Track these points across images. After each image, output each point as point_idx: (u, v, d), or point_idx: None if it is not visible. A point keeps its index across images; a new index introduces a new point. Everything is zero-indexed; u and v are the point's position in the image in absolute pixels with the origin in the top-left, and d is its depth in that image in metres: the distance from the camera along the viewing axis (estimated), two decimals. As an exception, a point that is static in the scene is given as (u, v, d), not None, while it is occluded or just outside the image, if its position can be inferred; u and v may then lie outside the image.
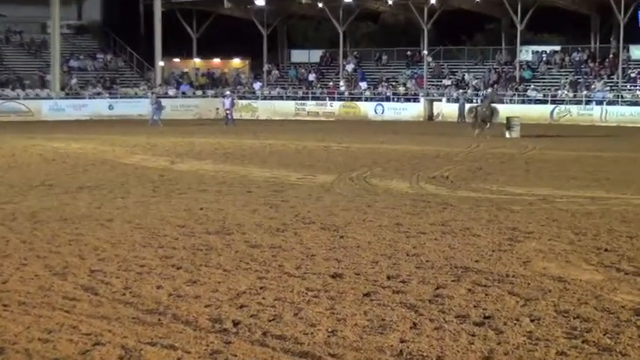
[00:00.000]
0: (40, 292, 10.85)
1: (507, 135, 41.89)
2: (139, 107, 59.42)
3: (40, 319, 9.61)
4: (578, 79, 62.33)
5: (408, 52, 70.67)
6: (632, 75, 61.31)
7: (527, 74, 64.93)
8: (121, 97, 64.23)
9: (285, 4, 70.91)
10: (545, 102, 60.40)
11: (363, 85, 68.13)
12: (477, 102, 60.60)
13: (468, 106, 58.56)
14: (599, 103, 58.93)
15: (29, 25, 68.61)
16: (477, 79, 65.81)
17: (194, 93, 69.34)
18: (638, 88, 59.81)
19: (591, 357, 8.46)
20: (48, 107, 60.79)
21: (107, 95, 64.74)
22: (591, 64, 64.84)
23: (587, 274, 12.10)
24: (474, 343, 8.83)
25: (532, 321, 9.66)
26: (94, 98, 64.15)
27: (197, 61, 76.86)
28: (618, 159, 31.66)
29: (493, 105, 43.62)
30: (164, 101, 58.40)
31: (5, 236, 14.74)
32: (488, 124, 42.09)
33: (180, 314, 9.90)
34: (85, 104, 62.56)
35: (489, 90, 49.29)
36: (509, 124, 43.41)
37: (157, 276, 11.86)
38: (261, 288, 11.19)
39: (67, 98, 63.09)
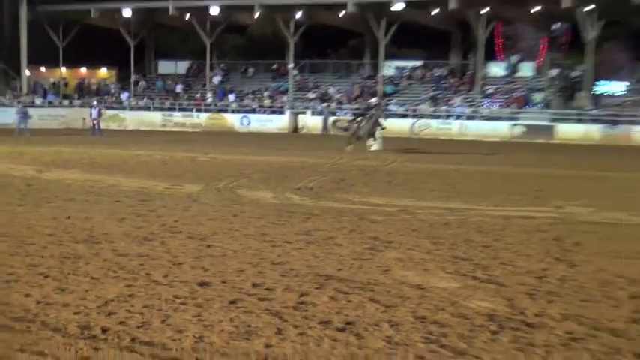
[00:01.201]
0: None
1: (372, 147, 41.85)
2: (4, 116, 58.17)
3: None
4: (438, 94, 63.47)
5: (274, 66, 70.80)
6: (490, 91, 62.60)
7: (389, 89, 65.90)
8: (-14, 106, 63.01)
9: (153, 16, 70.45)
10: (405, 116, 61.11)
11: (231, 97, 68.05)
12: (340, 115, 61.31)
13: (332, 118, 59.11)
14: (458, 117, 60.00)
15: None
16: (340, 92, 66.29)
17: (61, 102, 68.21)
18: (495, 103, 60.99)
19: (448, 359, 8.88)
20: None
21: (-28, 105, 63.53)
22: (451, 80, 66.22)
23: (444, 282, 12.54)
24: (336, 348, 9.18)
25: (391, 326, 10.05)
26: (-45, 108, 62.87)
27: (64, 70, 75.77)
28: (476, 172, 32.32)
29: (380, 120, 43.36)
30: (31, 110, 57.32)
31: None
32: (373, 141, 41.62)
33: (49, 321, 10.03)
34: (-51, 114, 61.27)
35: (375, 105, 48.90)
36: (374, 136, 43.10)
37: (25, 284, 11.89)
38: (129, 295, 11.34)
39: None
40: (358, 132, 42.07)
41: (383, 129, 43.48)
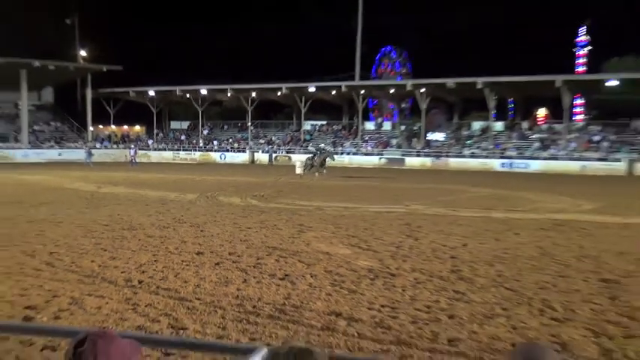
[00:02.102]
0: (16, 266, 10.68)
1: (324, 172, 40.33)
2: (78, 154, 57.27)
3: (19, 282, 9.51)
4: (336, 140, 63.70)
5: (239, 124, 70.50)
6: (366, 138, 63.08)
7: (307, 137, 65.91)
8: (66, 148, 61.78)
9: (167, 95, 69.90)
10: (317, 153, 61.11)
11: (215, 142, 67.66)
12: (278, 152, 61.34)
13: (274, 154, 59.06)
14: (348, 153, 60.13)
15: (7, 103, 65.39)
16: (279, 139, 66.30)
17: (112, 146, 67.39)
18: (369, 145, 61.34)
19: (345, 295, 8.93)
20: (20, 154, 58.05)
21: (57, 147, 62.30)
22: (343, 132, 66.53)
23: (342, 250, 12.62)
24: (279, 290, 9.22)
25: (311, 276, 10.12)
26: (49, 149, 61.62)
27: (113, 127, 75.03)
28: (359, 185, 32.31)
29: (327, 158, 42.42)
30: (93, 150, 56.56)
31: (-7, 234, 14.20)
32: (323, 170, 40.58)
33: (106, 277, 9.97)
34: (44, 152, 59.95)
35: (327, 148, 48.13)
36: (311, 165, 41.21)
37: (92, 255, 11.76)
38: (154, 261, 11.28)
39: (31, 148, 60.38)
40: (313, 164, 41.32)
41: (333, 160, 43.12)
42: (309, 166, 41.02)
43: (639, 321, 7.78)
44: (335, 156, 44.75)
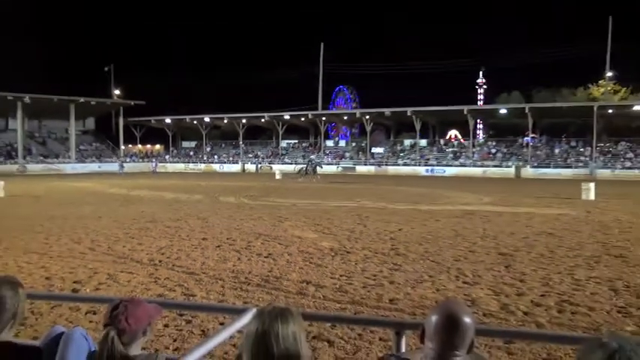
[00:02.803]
0: (67, 251, 10.44)
1: (317, 178, 39.05)
2: (113, 167, 56.13)
3: (68, 263, 9.29)
4: (304, 154, 63.49)
5: (234, 142, 69.72)
6: (327, 152, 62.89)
7: (284, 152, 65.57)
8: (104, 162, 60.63)
9: (179, 122, 69.04)
10: (291, 163, 60.87)
11: (216, 157, 66.92)
12: (262, 164, 61.02)
13: (259, 165, 58.56)
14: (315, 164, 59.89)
15: (60, 129, 64.23)
16: (262, 154, 65.86)
17: (138, 160, 66.42)
18: (323, 157, 61.00)
19: (313, 268, 8.88)
20: (69, 167, 56.82)
21: (97, 161, 61.22)
22: (310, 148, 66.31)
23: (311, 235, 12.55)
24: (264, 265, 9.10)
25: (288, 255, 10.05)
26: (91, 163, 60.52)
27: (139, 146, 73.91)
28: (324, 187, 32.17)
29: (317, 167, 41.18)
30: (125, 164, 55.67)
31: (50, 227, 13.84)
32: (318, 176, 39.27)
33: (134, 257, 9.78)
34: (87, 166, 58.66)
35: (315, 160, 47.23)
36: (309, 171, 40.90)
37: (123, 241, 11.53)
38: (171, 245, 11.09)
39: (78, 163, 59.23)
40: (307, 172, 40.49)
41: (321, 168, 42.42)
42: (303, 173, 40.32)
43: (527, 283, 7.87)
44: (317, 165, 43.35)
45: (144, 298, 2.33)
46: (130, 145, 73.52)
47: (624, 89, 61.01)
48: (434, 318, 1.68)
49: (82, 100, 59.51)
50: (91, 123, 70.55)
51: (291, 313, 1.72)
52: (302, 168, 42.73)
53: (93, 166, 59.48)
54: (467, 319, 1.66)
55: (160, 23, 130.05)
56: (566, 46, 79.19)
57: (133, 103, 64.92)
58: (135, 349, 2.03)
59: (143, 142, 75.35)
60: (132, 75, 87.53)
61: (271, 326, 1.64)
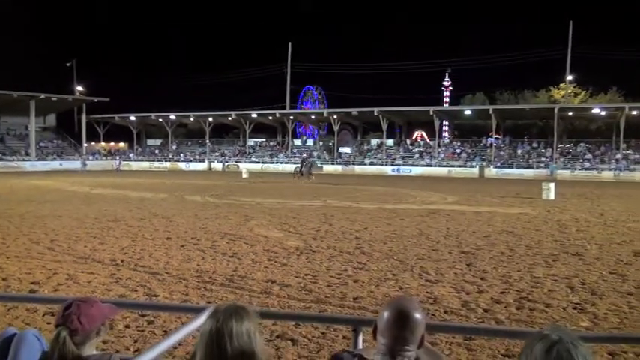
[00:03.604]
0: (25, 251, 10.17)
1: (310, 179, 38.03)
2: (75, 164, 54.83)
3: (26, 263, 9.06)
4: (272, 153, 63.31)
5: (200, 141, 68.92)
6: (295, 152, 62.84)
7: (251, 150, 65.15)
8: (66, 160, 59.03)
9: (144, 119, 67.86)
10: (258, 163, 60.54)
11: (182, 155, 65.99)
12: (229, 162, 60.52)
13: (226, 164, 57.99)
14: (281, 163, 59.68)
15: (20, 126, 62.54)
16: (229, 152, 65.20)
17: (101, 158, 64.95)
18: (286, 158, 60.92)
19: (278, 267, 8.87)
20: (29, 165, 55.24)
21: (59, 159, 59.61)
22: (278, 147, 66.05)
23: (276, 234, 12.52)
24: (229, 264, 9.05)
25: (254, 254, 10.00)
26: (52, 161, 58.94)
27: (103, 144, 72.37)
28: (287, 186, 32.10)
29: (312, 167, 40.06)
30: (87, 162, 54.54)
31: (7, 226, 13.45)
32: (312, 177, 38.01)
33: (95, 258, 9.58)
34: (48, 164, 57.14)
35: (309, 159, 46.46)
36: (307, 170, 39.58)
37: (84, 241, 11.28)
38: (133, 245, 10.91)
39: (39, 160, 57.65)
40: (300, 171, 39.34)
41: (317, 167, 41.32)
42: (298, 173, 39.66)
43: (488, 280, 8.04)
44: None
45: (104, 299, 2.30)
46: (93, 143, 71.92)
47: (584, 92, 62.85)
48: (385, 314, 1.71)
49: (42, 96, 57.92)
50: (52, 120, 68.71)
51: (246, 310, 1.72)
52: (296, 168, 41.91)
53: (54, 164, 57.95)
54: (417, 315, 1.71)
55: (125, 20, 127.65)
56: (528, 49, 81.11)
57: (96, 99, 63.37)
58: (88, 349, 2.00)
59: (107, 140, 73.79)
60: (95, 70, 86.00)
61: (225, 324, 1.65)
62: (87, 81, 69.50)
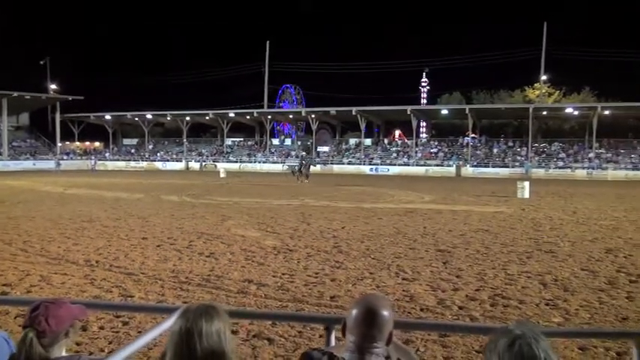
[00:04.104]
0: (-4, 252, 9.90)
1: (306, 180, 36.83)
2: (49, 164, 53.81)
3: (-3, 264, 8.82)
4: (250, 152, 63.07)
5: (177, 140, 68.29)
6: (272, 151, 62.63)
7: (229, 150, 64.78)
8: (39, 160, 57.90)
9: (120, 118, 66.97)
10: (236, 162, 60.20)
11: (159, 154, 65.26)
12: (206, 162, 60.04)
13: (204, 163, 57.55)
14: (259, 162, 59.48)
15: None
16: (207, 152, 64.95)
17: (76, 158, 63.90)
18: (266, 157, 60.83)
19: (255, 266, 8.85)
20: (1, 165, 54.18)
21: (32, 159, 58.50)
22: (256, 146, 65.78)
23: (254, 234, 12.48)
24: (205, 264, 9.00)
25: (231, 254, 9.96)
26: (25, 160, 57.89)
27: (77, 143, 71.20)
28: (267, 186, 31.99)
29: (310, 165, 38.18)
30: (61, 162, 53.62)
31: (-23, 227, 13.18)
32: (307, 175, 36.68)
33: (69, 258, 9.45)
34: (21, 163, 56.16)
35: (304, 155, 45.73)
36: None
37: (58, 242, 11.11)
38: (109, 245, 10.77)
39: (11, 160, 56.53)
40: (300, 170, 38.17)
41: (314, 166, 40.98)
42: (296, 172, 38.46)
43: (463, 278, 8.14)
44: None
45: (76, 300, 2.27)
46: (68, 142, 70.73)
47: (557, 92, 63.95)
48: (354, 312, 1.73)
49: (15, 94, 56.72)
50: (25, 118, 67.33)
51: (217, 310, 1.72)
52: (293, 167, 41.03)
53: (27, 164, 56.89)
54: (385, 312, 1.72)
55: (100, 18, 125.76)
56: (504, 50, 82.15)
57: (70, 98, 62.32)
58: (57, 351, 1.98)
59: (82, 139, 72.61)
60: (69, 68, 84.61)
61: (195, 324, 1.64)
62: (62, 79, 68.78)
